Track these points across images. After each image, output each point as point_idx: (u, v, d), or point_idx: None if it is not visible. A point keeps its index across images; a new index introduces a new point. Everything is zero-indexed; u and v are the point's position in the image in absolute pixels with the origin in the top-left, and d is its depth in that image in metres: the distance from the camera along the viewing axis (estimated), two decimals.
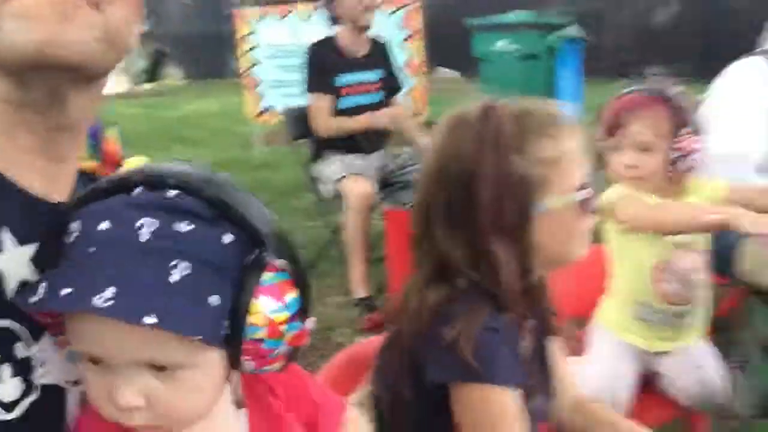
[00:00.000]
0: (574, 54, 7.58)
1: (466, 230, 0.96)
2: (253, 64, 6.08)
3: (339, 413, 0.81)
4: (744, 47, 2.37)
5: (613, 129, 1.61)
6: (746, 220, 1.38)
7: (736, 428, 2.07)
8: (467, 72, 10.63)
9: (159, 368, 0.61)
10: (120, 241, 0.59)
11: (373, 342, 1.16)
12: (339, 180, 3.15)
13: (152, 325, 0.55)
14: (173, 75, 12.75)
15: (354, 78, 3.32)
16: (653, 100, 1.59)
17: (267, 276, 0.62)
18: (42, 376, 0.65)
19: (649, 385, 1.71)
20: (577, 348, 1.77)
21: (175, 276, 0.58)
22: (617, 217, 1.61)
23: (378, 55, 3.43)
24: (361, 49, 3.34)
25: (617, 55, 11.54)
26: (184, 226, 0.60)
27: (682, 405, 1.65)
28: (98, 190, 0.64)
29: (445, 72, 9.91)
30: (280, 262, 0.64)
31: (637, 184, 1.62)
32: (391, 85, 3.47)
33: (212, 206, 0.62)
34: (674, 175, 1.61)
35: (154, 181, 0.62)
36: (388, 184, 3.36)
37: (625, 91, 1.66)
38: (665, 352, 1.68)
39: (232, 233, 0.62)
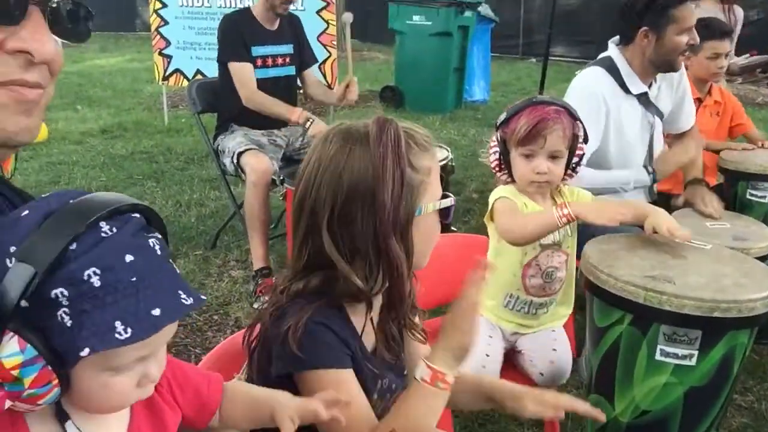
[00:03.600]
0: (485, 33, 7.82)
1: (354, 234, 1.07)
2: (162, 24, 5.89)
3: (218, 384, 0.96)
4: None
5: (530, 139, 1.75)
6: (584, 211, 1.64)
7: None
8: (384, 45, 10.67)
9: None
10: (151, 261, 0.73)
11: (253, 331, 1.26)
12: (240, 154, 3.17)
13: (192, 307, 0.73)
14: None
15: (267, 50, 3.34)
16: (562, 112, 1.77)
17: None
18: None
19: (508, 360, 1.93)
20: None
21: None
22: (496, 225, 1.80)
23: (290, 28, 3.45)
24: (274, 22, 3.36)
25: (525, 35, 11.94)
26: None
27: (534, 380, 1.87)
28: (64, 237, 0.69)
29: (360, 44, 9.90)
30: None
31: (542, 187, 1.80)
32: (303, 59, 3.51)
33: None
34: (567, 176, 1.82)
35: (121, 211, 0.74)
36: (292, 161, 3.42)
37: (534, 101, 1.80)
38: (526, 334, 1.90)
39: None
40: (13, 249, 0.68)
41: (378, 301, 1.16)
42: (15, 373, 0.67)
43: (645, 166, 2.38)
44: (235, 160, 3.19)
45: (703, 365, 1.49)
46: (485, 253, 1.92)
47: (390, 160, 1.05)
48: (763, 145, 3.03)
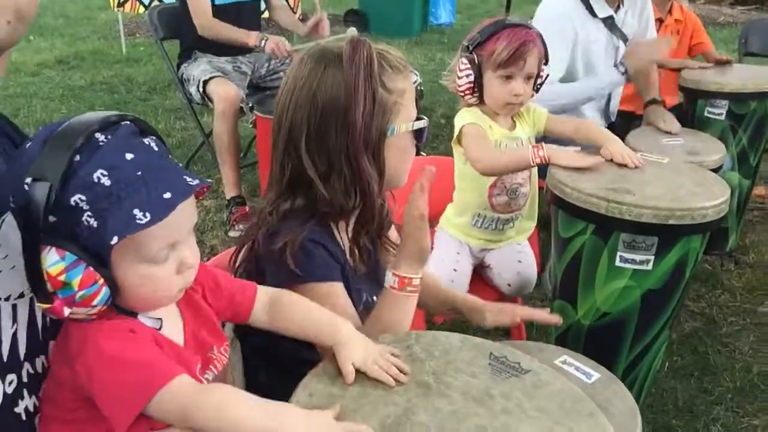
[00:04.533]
0: None
1: (329, 152, 1.11)
2: None
3: (252, 292, 1.01)
4: None
5: (512, 61, 1.77)
6: (558, 156, 1.70)
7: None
8: None
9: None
10: (150, 155, 0.80)
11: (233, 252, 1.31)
12: (206, 82, 3.13)
13: (198, 186, 0.80)
14: None
15: None
16: (535, 34, 1.80)
17: None
18: None
19: (477, 274, 2.03)
20: None
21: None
22: (465, 151, 1.84)
23: None
24: None
25: None
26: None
27: (502, 291, 1.98)
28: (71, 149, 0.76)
29: None
30: None
31: (514, 108, 1.85)
32: None
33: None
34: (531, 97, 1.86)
35: (112, 121, 0.80)
36: (259, 89, 3.39)
37: (508, 23, 1.80)
38: (492, 249, 1.99)
39: None
40: (26, 176, 0.75)
41: (353, 217, 1.23)
42: (62, 278, 0.76)
43: (615, 66, 2.41)
44: (201, 89, 3.15)
45: (658, 269, 1.60)
46: (452, 175, 1.99)
47: (362, 79, 1.09)
48: (726, 61, 3.07)
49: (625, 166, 1.72)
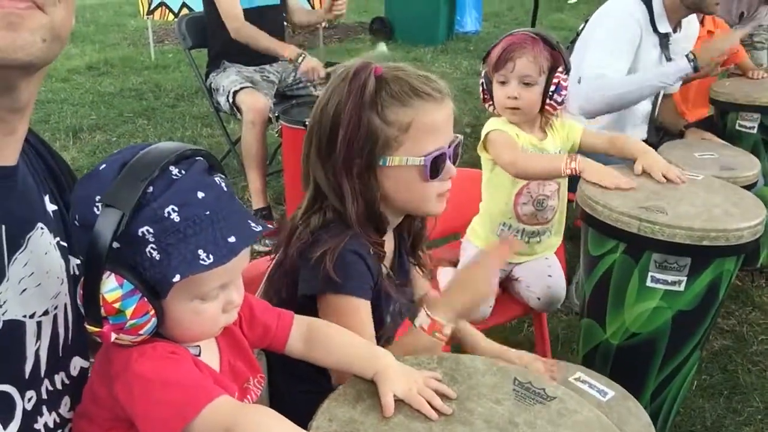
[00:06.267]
0: None
1: (329, 163, 1.13)
2: None
3: (288, 321, 1.00)
4: None
5: (501, 64, 1.81)
6: (590, 170, 1.68)
7: (567, 322, 2.49)
8: None
9: None
10: (220, 196, 0.81)
11: (259, 264, 1.32)
12: (236, 92, 3.16)
13: (262, 233, 0.81)
14: None
15: None
16: (536, 40, 1.80)
17: None
18: (4, 313, 0.78)
19: (505, 288, 2.01)
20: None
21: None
22: (495, 157, 1.84)
23: None
24: None
25: None
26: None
27: (531, 306, 1.96)
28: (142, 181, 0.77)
29: None
30: None
31: (516, 114, 1.84)
32: None
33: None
34: (549, 107, 1.85)
35: (186, 155, 0.81)
36: (285, 97, 3.41)
37: (512, 32, 1.86)
38: (520, 263, 1.97)
39: None
40: (98, 198, 0.76)
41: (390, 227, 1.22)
42: (117, 305, 0.77)
43: (686, 56, 2.34)
44: (230, 99, 3.18)
45: (691, 291, 1.57)
46: (479, 186, 1.97)
47: (351, 104, 1.09)
48: (753, 75, 3.04)
49: (664, 180, 1.68)
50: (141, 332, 0.80)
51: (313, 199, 1.17)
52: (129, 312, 0.78)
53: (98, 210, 0.76)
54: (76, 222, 0.79)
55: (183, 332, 0.85)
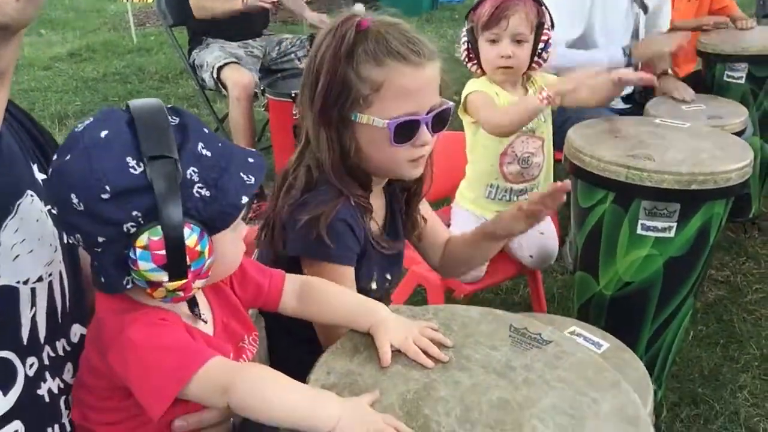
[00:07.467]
0: None
1: (312, 110, 1.12)
2: None
3: (279, 281, 1.00)
4: None
5: (493, 22, 1.76)
6: (561, 84, 1.68)
7: (562, 281, 2.50)
8: None
9: None
10: (214, 134, 0.82)
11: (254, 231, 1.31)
12: (220, 68, 3.13)
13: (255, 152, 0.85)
14: None
15: None
16: None
17: None
18: None
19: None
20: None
21: None
22: (476, 119, 1.82)
23: None
24: None
25: None
26: None
27: (524, 263, 1.96)
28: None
29: None
30: None
31: (507, 73, 1.82)
32: None
33: None
34: (536, 64, 1.83)
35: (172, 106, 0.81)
36: (270, 71, 3.38)
37: None
38: None
39: None
40: (129, 159, 0.74)
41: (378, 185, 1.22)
42: (198, 248, 0.78)
43: (622, 48, 2.37)
44: (215, 75, 3.15)
45: (681, 236, 1.57)
46: (463, 148, 1.96)
47: (329, 56, 1.08)
48: (741, 25, 3.00)
49: None
50: (210, 273, 0.82)
51: (303, 147, 1.18)
52: (207, 251, 0.79)
53: (137, 169, 0.73)
54: (105, 187, 0.73)
55: (224, 267, 0.87)
